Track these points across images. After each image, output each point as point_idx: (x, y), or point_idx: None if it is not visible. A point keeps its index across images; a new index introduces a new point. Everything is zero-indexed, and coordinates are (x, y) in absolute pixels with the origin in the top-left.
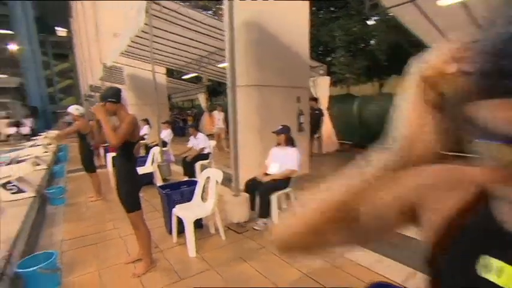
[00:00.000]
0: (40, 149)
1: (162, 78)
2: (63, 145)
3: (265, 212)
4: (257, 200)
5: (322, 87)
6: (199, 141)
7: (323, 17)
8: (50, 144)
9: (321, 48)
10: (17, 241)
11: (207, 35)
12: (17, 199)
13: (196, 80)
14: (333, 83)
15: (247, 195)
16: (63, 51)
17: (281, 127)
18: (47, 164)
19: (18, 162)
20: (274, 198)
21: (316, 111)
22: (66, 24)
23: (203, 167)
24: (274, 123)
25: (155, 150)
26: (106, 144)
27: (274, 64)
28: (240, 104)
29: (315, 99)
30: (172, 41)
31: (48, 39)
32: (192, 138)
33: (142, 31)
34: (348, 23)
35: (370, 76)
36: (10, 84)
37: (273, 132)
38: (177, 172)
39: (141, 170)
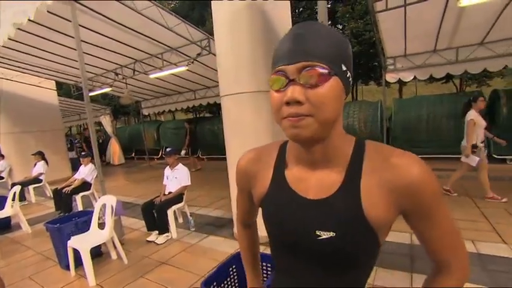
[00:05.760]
0: None
1: (51, 95)
2: None
3: (164, 227)
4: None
5: None
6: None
7: None
8: None
9: None
10: None
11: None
12: None
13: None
14: None
15: None
16: None
17: (170, 149)
18: None
19: None
20: (170, 212)
21: None
22: None
23: (84, 199)
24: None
25: (16, 189)
26: None
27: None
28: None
29: None
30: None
31: None
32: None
33: (19, 29)
34: None
35: None
36: None
37: (165, 155)
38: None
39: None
